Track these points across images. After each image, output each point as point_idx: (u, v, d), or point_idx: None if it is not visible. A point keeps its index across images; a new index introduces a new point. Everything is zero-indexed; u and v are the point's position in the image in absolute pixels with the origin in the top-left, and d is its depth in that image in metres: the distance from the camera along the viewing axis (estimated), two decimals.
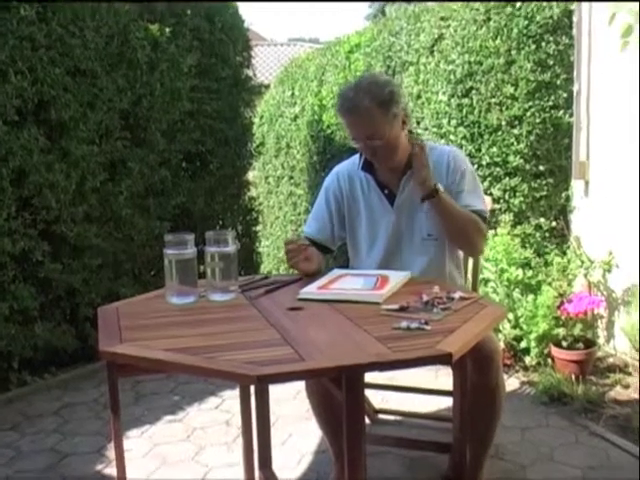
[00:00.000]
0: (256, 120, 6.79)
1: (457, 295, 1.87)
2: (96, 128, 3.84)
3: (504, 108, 3.84)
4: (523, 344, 3.50)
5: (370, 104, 2.16)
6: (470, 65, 3.93)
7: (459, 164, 2.32)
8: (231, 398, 3.29)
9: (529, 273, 3.66)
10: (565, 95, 3.77)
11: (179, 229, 4.31)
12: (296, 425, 3.00)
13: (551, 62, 3.75)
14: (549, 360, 3.45)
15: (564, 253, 3.83)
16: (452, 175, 2.29)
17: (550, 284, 3.65)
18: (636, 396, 3.09)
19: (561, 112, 3.78)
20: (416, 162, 2.22)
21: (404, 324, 1.63)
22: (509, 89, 3.81)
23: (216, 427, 3.07)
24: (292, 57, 7.49)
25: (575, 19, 3.73)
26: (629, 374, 3.35)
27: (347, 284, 2.05)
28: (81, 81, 3.75)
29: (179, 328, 1.73)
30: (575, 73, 3.74)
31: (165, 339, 1.63)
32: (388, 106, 2.19)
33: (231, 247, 1.97)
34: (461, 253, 2.44)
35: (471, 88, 3.94)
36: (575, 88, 3.74)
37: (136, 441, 2.94)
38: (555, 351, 3.38)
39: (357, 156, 2.43)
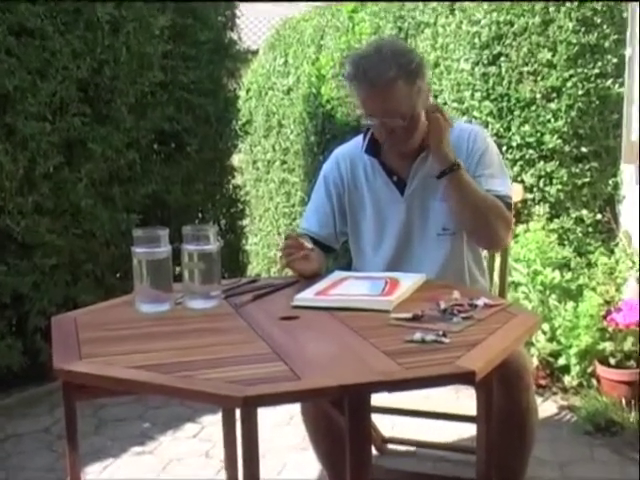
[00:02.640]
0: (242, 93, 6.78)
1: (481, 302, 1.89)
2: (48, 101, 3.83)
3: (539, 78, 3.85)
4: (561, 361, 3.51)
5: (396, 75, 2.18)
6: (498, 26, 3.94)
7: (480, 144, 2.34)
8: (212, 424, 3.30)
9: (568, 276, 3.67)
10: (615, 61, 3.78)
11: (150, 223, 4.31)
12: (290, 456, 3.01)
13: (598, 20, 3.76)
14: (593, 380, 3.46)
15: (611, 252, 3.84)
16: (472, 156, 2.32)
17: (594, 289, 3.66)
18: None
19: (609, 82, 3.79)
20: (435, 127, 2.23)
21: (418, 336, 1.64)
22: (546, 55, 3.81)
23: (194, 459, 3.08)
24: (285, 17, 7.49)
25: None
26: None
27: (350, 289, 2.06)
28: (28, 43, 3.74)
29: (150, 341, 1.74)
30: (628, 34, 3.75)
31: (133, 354, 1.64)
32: (414, 79, 2.21)
33: (213, 245, 1.98)
34: (484, 251, 2.47)
35: (499, 54, 3.95)
36: (627, 52, 3.74)
37: (97, 478, 2.94)
38: (601, 370, 3.39)
39: (360, 137, 2.45)
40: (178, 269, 2.05)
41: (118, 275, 4.38)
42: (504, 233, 2.30)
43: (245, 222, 5.62)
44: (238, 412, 2.27)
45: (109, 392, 1.72)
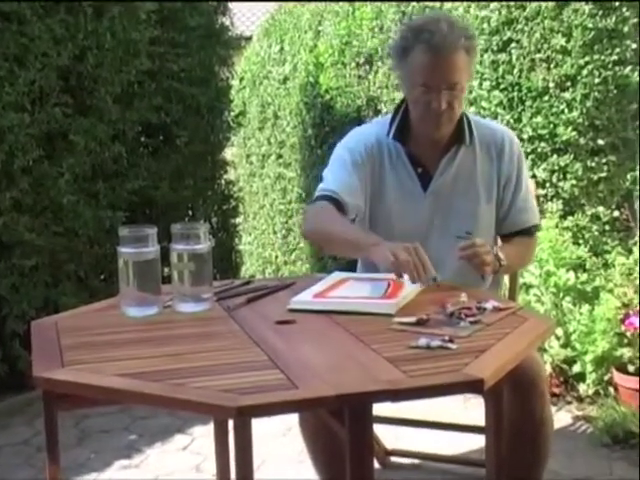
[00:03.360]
0: (235, 83, 6.79)
1: (490, 305, 1.89)
2: (27, 90, 3.83)
3: (552, 65, 3.85)
4: (576, 368, 3.52)
5: (463, 45, 2.22)
6: (509, 10, 3.94)
7: (515, 150, 2.40)
8: (203, 436, 3.30)
9: (583, 277, 3.68)
10: (634, 47, 3.77)
11: (137, 221, 4.32)
12: (287, 469, 3.01)
13: (617, 3, 3.76)
14: (610, 389, 3.46)
15: (629, 251, 3.83)
16: (510, 163, 2.38)
17: (611, 291, 3.66)
18: None
19: (628, 69, 3.78)
20: (476, 261, 2.15)
21: (423, 342, 1.65)
22: (560, 40, 3.82)
23: (184, 474, 3.08)
24: (280, 2, 7.50)
25: None
26: None
27: (350, 291, 2.06)
28: (5, 28, 3.74)
29: (137, 347, 1.74)
30: None
31: (119, 361, 1.64)
32: (473, 56, 2.29)
33: (203, 244, 1.98)
34: None
35: (510, 40, 3.95)
36: None
37: None
38: (619, 377, 3.40)
39: (385, 120, 2.44)
40: (167, 270, 2.05)
41: (103, 276, 4.39)
42: (532, 258, 2.65)
43: (238, 220, 5.63)
44: (231, 423, 2.29)
45: (93, 402, 1.73)
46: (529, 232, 2.44)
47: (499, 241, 2.47)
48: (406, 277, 2.10)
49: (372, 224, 2.42)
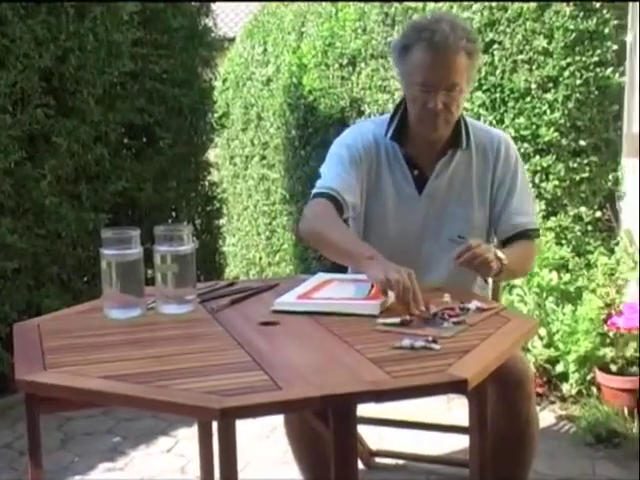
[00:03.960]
0: (218, 84, 6.78)
1: (473, 305, 1.90)
2: (8, 92, 3.81)
3: (534, 67, 3.86)
4: (559, 368, 3.53)
5: (465, 46, 2.21)
6: (491, 11, 3.96)
7: (512, 153, 2.40)
8: (187, 438, 3.30)
9: (566, 277, 3.69)
10: (615, 48, 3.79)
11: (120, 223, 4.31)
12: (271, 471, 3.00)
13: (597, 4, 3.78)
14: (593, 389, 3.48)
15: (611, 251, 3.86)
16: (505, 166, 2.37)
17: (594, 291, 3.68)
18: None
19: (609, 70, 3.80)
20: (477, 263, 2.09)
21: (406, 342, 1.65)
22: (541, 42, 3.83)
23: (168, 476, 3.07)
24: (263, 2, 7.49)
25: None
26: None
27: (334, 292, 2.07)
28: None
29: (120, 349, 1.74)
30: (629, 18, 3.77)
31: (102, 364, 1.64)
32: (474, 60, 2.27)
33: (187, 246, 1.98)
34: None
35: (492, 41, 3.96)
36: (628, 39, 3.77)
37: None
38: (602, 377, 3.42)
39: (384, 119, 2.44)
40: (150, 272, 2.05)
41: (85, 279, 4.37)
42: (533, 265, 2.62)
43: (222, 221, 5.62)
44: (215, 425, 2.29)
45: (76, 404, 1.72)
46: (527, 236, 2.38)
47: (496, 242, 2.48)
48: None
49: (367, 223, 2.43)
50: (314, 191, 2.35)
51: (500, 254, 2.15)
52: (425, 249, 2.37)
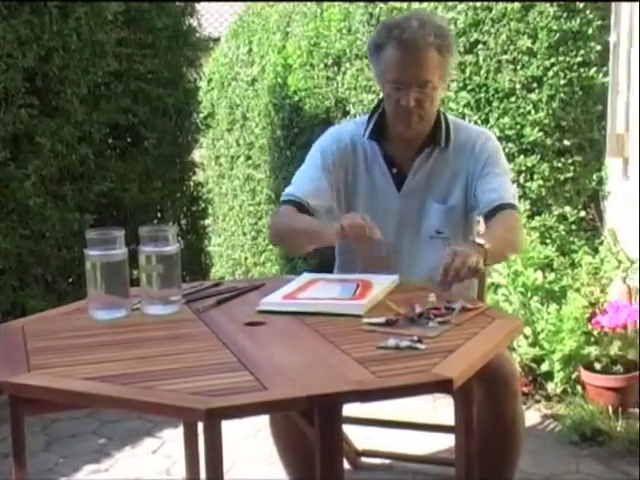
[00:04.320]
0: (203, 84, 6.77)
1: (458, 305, 1.90)
2: None
3: (519, 67, 3.88)
4: (544, 367, 3.54)
5: (434, 43, 2.21)
6: (476, 12, 3.97)
7: (488, 146, 2.38)
8: (173, 439, 3.28)
9: (551, 276, 3.71)
10: (599, 48, 3.83)
11: (105, 223, 4.29)
12: (257, 471, 3.00)
13: (581, 5, 3.80)
14: (578, 387, 3.49)
15: (596, 251, 3.88)
16: (479, 157, 2.36)
17: (578, 290, 3.70)
18: None
19: (593, 70, 3.83)
20: (464, 275, 1.99)
21: (392, 342, 1.65)
22: (526, 42, 3.85)
23: (154, 477, 3.06)
24: (248, 3, 7.49)
25: None
26: None
27: (320, 292, 2.06)
28: None
29: (105, 350, 1.73)
30: (612, 19, 3.80)
31: (87, 365, 1.63)
32: (448, 54, 2.26)
33: (172, 246, 1.97)
34: None
35: (477, 42, 3.98)
36: (612, 39, 3.79)
37: None
38: (586, 376, 3.43)
39: (362, 119, 2.46)
40: (135, 273, 2.04)
41: (70, 280, 4.36)
42: (522, 239, 2.44)
43: (208, 222, 5.61)
44: (201, 425, 2.28)
45: (61, 406, 1.71)
46: (504, 209, 2.28)
47: (481, 228, 2.48)
48: (373, 276, 2.13)
49: None
50: (281, 199, 2.42)
51: (479, 240, 2.10)
52: (406, 246, 2.38)
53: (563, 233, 3.92)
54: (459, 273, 1.95)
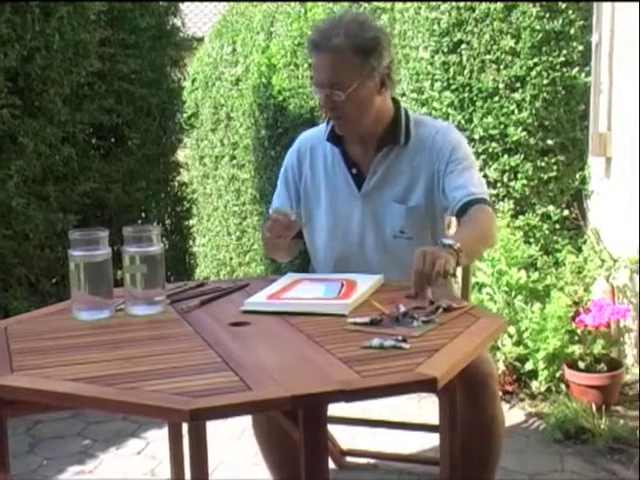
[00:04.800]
0: (187, 84, 6.77)
1: (443, 304, 1.90)
2: None
3: (502, 67, 3.89)
4: (528, 365, 3.56)
5: (345, 44, 2.19)
6: (459, 12, 3.97)
7: (449, 140, 2.34)
8: (158, 440, 3.28)
9: (535, 276, 3.72)
10: (581, 48, 3.85)
11: (89, 224, 4.28)
12: (242, 472, 3.00)
13: (563, 6, 3.82)
14: (562, 386, 3.51)
15: (579, 250, 3.90)
16: (439, 155, 2.32)
17: (562, 289, 3.71)
18: None
19: (575, 70, 3.85)
20: (434, 280, 1.96)
21: (376, 342, 1.66)
22: (509, 42, 3.86)
23: (139, 478, 3.06)
24: (232, 2, 7.48)
25: None
26: None
27: (304, 292, 2.06)
28: None
29: (90, 351, 1.73)
30: (594, 19, 3.82)
31: (71, 366, 1.63)
32: (367, 55, 2.21)
33: (156, 246, 1.97)
34: None
35: (460, 41, 3.98)
36: (594, 39, 3.81)
37: None
38: (570, 374, 3.44)
39: (325, 123, 2.46)
40: (120, 273, 2.04)
41: (54, 280, 4.34)
42: (495, 232, 2.34)
43: (192, 222, 5.60)
44: (185, 426, 2.28)
45: (44, 407, 1.70)
46: (473, 204, 2.25)
47: (452, 226, 2.47)
48: (358, 276, 2.15)
49: (311, 229, 2.47)
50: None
51: (448, 241, 2.03)
52: (369, 247, 2.37)
53: (547, 232, 3.94)
54: (430, 278, 1.90)
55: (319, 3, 5.24)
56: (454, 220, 2.41)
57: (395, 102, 2.38)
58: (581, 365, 3.42)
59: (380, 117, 2.33)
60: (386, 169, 2.36)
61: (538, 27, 3.81)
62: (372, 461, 3.03)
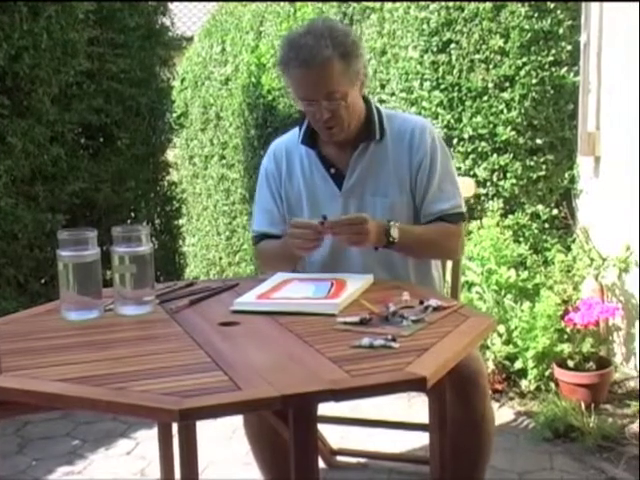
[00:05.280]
0: (176, 84, 6.76)
1: (432, 303, 1.91)
2: None
3: (491, 66, 3.90)
4: (518, 364, 3.57)
5: (332, 54, 2.20)
6: (448, 11, 3.98)
7: (426, 138, 2.37)
8: (147, 440, 3.27)
9: (524, 274, 3.73)
10: (569, 48, 3.86)
11: (78, 224, 4.27)
12: (233, 472, 3.00)
13: (552, 5, 3.83)
14: (551, 384, 3.52)
15: (568, 249, 3.91)
16: (420, 150, 2.35)
17: (551, 288, 3.72)
18: None
19: (564, 70, 3.86)
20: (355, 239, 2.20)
21: (366, 341, 1.66)
22: (498, 41, 3.87)
23: (128, 479, 3.05)
24: (221, 2, 7.47)
25: None
26: None
27: (294, 292, 2.07)
28: None
29: (78, 352, 1.73)
30: (583, 19, 3.83)
31: (60, 366, 1.62)
32: (351, 59, 2.24)
33: (145, 246, 1.97)
34: None
35: (449, 41, 3.99)
36: (582, 39, 3.82)
37: None
38: (559, 373, 3.46)
39: (297, 128, 2.48)
40: (109, 273, 2.03)
41: (43, 281, 4.33)
42: (455, 246, 2.44)
43: (181, 222, 5.60)
44: (175, 426, 2.28)
45: (34, 408, 1.70)
46: (446, 219, 2.36)
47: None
48: (347, 276, 2.16)
49: None
50: (252, 235, 2.59)
51: (394, 231, 2.22)
52: (352, 248, 2.37)
53: (536, 231, 3.95)
54: (348, 232, 2.15)
55: (308, 3, 5.24)
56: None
57: (365, 100, 2.40)
58: (570, 364, 3.43)
59: (360, 115, 2.35)
60: (365, 165, 2.37)
61: (527, 27, 3.82)
62: (362, 460, 3.04)
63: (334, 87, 2.23)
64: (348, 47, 2.24)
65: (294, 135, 2.49)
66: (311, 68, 2.21)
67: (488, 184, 3.94)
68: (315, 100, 2.25)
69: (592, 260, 3.74)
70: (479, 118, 3.92)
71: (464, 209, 2.43)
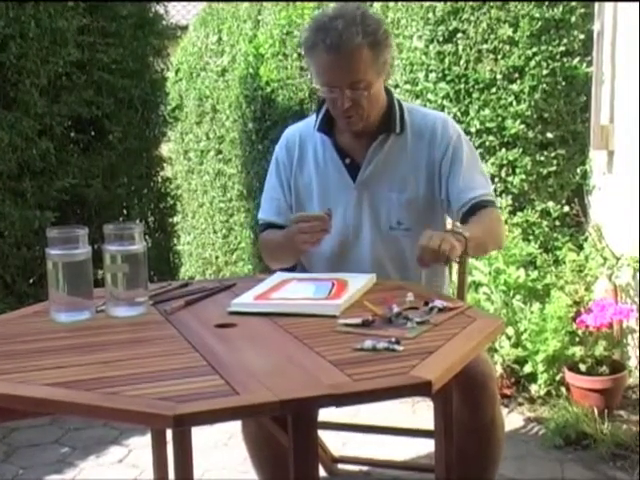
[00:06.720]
0: (171, 75, 6.75)
1: (438, 304, 1.91)
2: None
3: (500, 56, 3.90)
4: (527, 368, 3.57)
5: (362, 42, 2.21)
6: None
7: (449, 132, 2.39)
8: (140, 447, 3.28)
9: (534, 274, 3.74)
10: (582, 37, 3.86)
11: (68, 221, 4.27)
12: None
13: None
14: (562, 389, 3.53)
15: (580, 247, 3.91)
16: (442, 144, 2.37)
17: (562, 289, 3.72)
18: None
19: (576, 60, 3.86)
20: (437, 258, 2.05)
21: (368, 344, 1.66)
22: (507, 30, 3.87)
23: None
24: (213, 1, 7.48)
25: None
26: None
27: (293, 292, 2.07)
28: None
29: (68, 355, 1.73)
30: (596, 7, 3.83)
31: (49, 370, 1.62)
32: (380, 49, 2.26)
33: (138, 245, 1.97)
34: None
35: (456, 30, 3.99)
36: (595, 28, 3.82)
37: None
38: (571, 377, 3.46)
39: (313, 116, 2.48)
40: (100, 273, 2.03)
41: (31, 280, 4.33)
42: (504, 232, 2.50)
43: (176, 219, 5.60)
44: (170, 432, 2.28)
45: (21, 414, 1.70)
46: (484, 206, 2.34)
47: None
48: (349, 275, 2.16)
49: None
50: (259, 223, 2.60)
51: (460, 230, 2.17)
52: (365, 237, 2.39)
53: (546, 229, 3.95)
54: (435, 254, 2.00)
55: None
56: (458, 225, 2.42)
57: (387, 91, 2.41)
58: (582, 367, 3.43)
59: (382, 106, 2.37)
60: (382, 158, 2.38)
61: (537, 15, 3.82)
62: (364, 468, 3.04)
63: (360, 76, 2.24)
64: (379, 37, 2.25)
65: (309, 122, 2.50)
66: (339, 54, 2.21)
67: (496, 180, 3.94)
68: (338, 87, 2.25)
69: (605, 259, 3.74)
70: (487, 111, 3.92)
71: (493, 195, 2.46)
